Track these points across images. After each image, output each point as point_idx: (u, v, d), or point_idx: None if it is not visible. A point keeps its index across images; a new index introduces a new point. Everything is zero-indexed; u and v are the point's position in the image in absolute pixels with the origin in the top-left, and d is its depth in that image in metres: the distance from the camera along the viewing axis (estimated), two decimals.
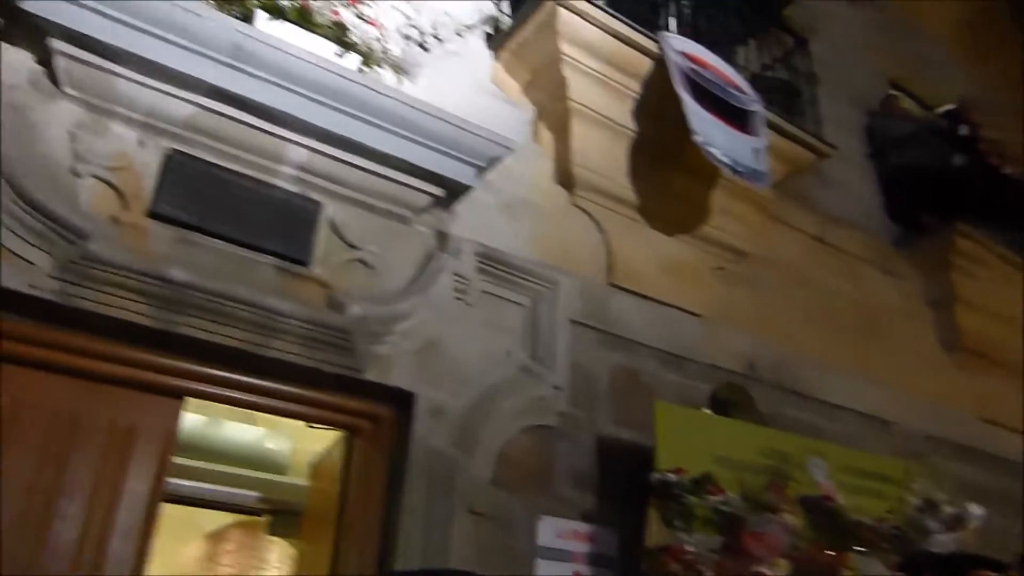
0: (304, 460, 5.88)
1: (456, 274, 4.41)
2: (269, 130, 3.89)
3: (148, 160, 3.73)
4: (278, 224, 3.95)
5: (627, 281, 5.12)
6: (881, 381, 6.46)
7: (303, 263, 3.99)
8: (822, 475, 4.86)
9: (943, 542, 5.01)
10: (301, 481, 5.92)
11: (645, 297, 5.16)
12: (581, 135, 5.13)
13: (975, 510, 5.29)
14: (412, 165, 4.20)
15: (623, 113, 5.28)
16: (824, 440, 5.43)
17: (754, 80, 5.99)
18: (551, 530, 4.17)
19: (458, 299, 4.40)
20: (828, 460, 4.93)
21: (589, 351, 4.80)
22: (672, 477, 4.07)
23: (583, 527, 4.28)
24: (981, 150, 8.01)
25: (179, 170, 3.78)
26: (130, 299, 3.46)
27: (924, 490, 5.33)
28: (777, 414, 5.53)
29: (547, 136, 5.25)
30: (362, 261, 4.18)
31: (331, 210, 4.16)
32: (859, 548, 4.80)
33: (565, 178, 5.15)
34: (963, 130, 7.88)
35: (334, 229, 4.14)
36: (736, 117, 5.37)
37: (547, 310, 4.66)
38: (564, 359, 4.60)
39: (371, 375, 4.00)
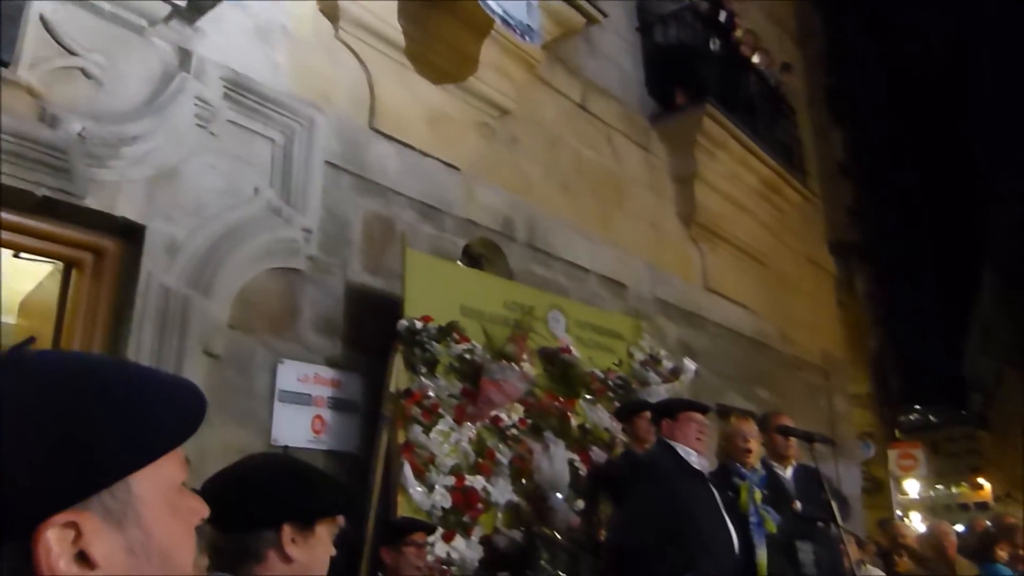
0: (14, 298, 5.24)
1: (199, 99, 3.98)
2: None
3: None
4: None
5: (388, 127, 4.94)
6: (622, 247, 6.90)
7: (3, 63, 3.38)
8: (561, 329, 5.17)
9: (659, 392, 5.57)
10: (9, 319, 5.29)
11: (406, 145, 5.02)
12: None
13: (689, 365, 5.91)
14: None
15: None
16: (566, 298, 5.75)
17: None
18: (292, 374, 4.08)
19: (200, 127, 4.00)
20: (567, 315, 5.24)
21: (344, 196, 4.62)
22: (419, 324, 4.10)
23: (326, 372, 4.23)
24: (735, 38, 8.51)
25: None
26: None
27: (648, 346, 5.86)
28: (526, 271, 5.74)
29: None
30: (83, 71, 3.63)
31: (43, 4, 3.53)
32: (588, 396, 5.22)
33: (330, 9, 4.77)
34: (723, 16, 8.30)
35: (47, 27, 3.54)
36: None
37: (301, 149, 4.38)
38: (316, 202, 4.39)
39: (93, 202, 3.56)
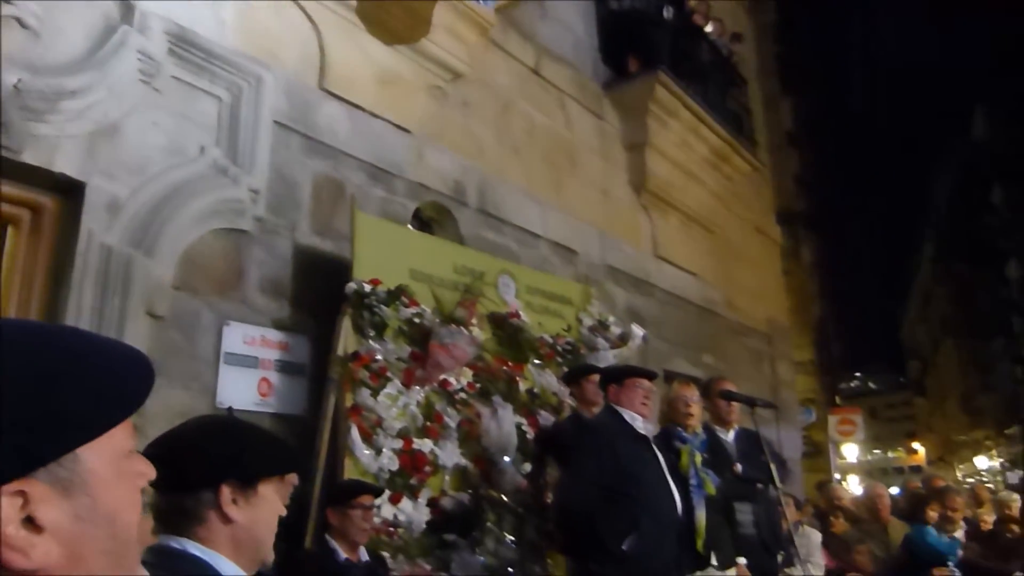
0: None
1: (142, 53, 3.86)
2: None
3: None
4: None
5: (339, 87, 4.86)
6: (573, 213, 6.93)
7: None
8: (511, 294, 5.20)
9: (607, 357, 5.65)
10: None
11: (357, 107, 4.95)
12: None
13: (637, 331, 6.00)
14: None
15: None
16: (516, 263, 5.77)
17: None
18: (238, 336, 4.04)
19: (144, 82, 3.88)
20: (517, 281, 5.27)
21: (292, 156, 4.55)
22: (367, 287, 4.09)
23: (273, 334, 4.20)
24: (688, 7, 8.53)
25: None
26: None
27: (597, 312, 5.93)
28: (477, 236, 5.74)
29: None
30: (18, 20, 3.49)
31: None
32: (536, 361, 5.27)
33: None
34: None
35: None
36: None
37: (248, 107, 4.29)
38: (264, 162, 4.32)
39: (30, 157, 3.45)
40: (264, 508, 1.45)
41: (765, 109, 13.32)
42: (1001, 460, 28.61)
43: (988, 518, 5.88)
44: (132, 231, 3.69)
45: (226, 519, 1.39)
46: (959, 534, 5.95)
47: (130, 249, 3.67)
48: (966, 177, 29.20)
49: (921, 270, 42.51)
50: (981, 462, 31.14)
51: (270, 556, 1.51)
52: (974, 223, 28.27)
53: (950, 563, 5.52)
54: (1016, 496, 6.42)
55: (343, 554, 3.18)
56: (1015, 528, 5.42)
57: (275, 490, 1.49)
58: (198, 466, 1.39)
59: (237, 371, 3.99)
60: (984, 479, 25.41)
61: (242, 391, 3.99)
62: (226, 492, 1.38)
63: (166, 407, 3.40)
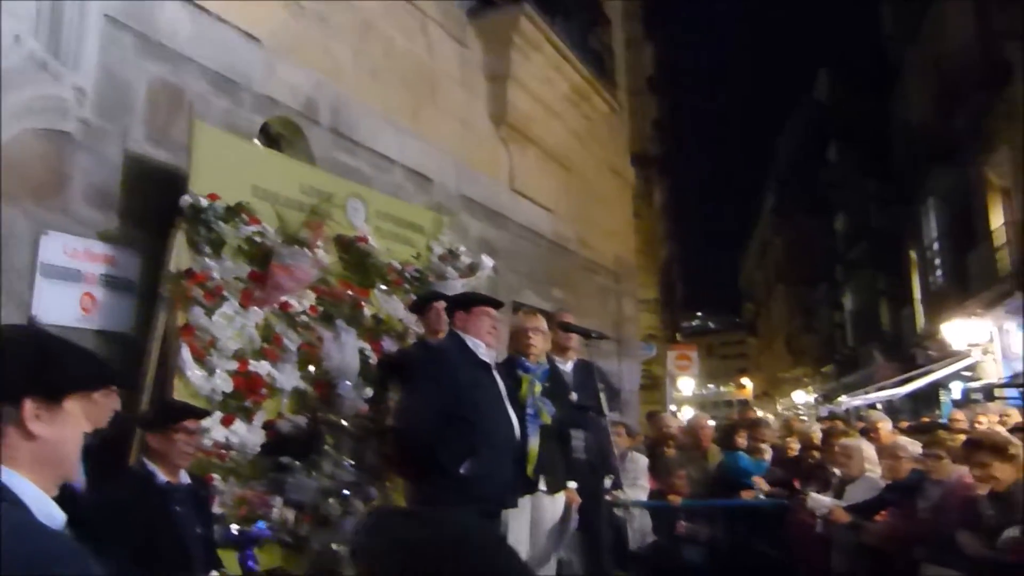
0: None
1: None
2: None
3: None
4: None
5: None
6: (430, 141, 6.84)
7: None
8: (360, 218, 5.09)
9: (455, 286, 5.68)
10: None
11: (201, 8, 4.61)
12: None
13: (487, 262, 6.06)
14: None
15: None
16: (368, 187, 5.65)
17: None
18: (59, 247, 3.75)
19: None
20: (367, 205, 5.16)
21: (126, 56, 4.20)
22: (204, 202, 3.88)
23: (99, 246, 3.93)
24: None
25: None
26: None
27: (448, 242, 5.92)
28: (328, 157, 5.56)
29: None
30: None
31: None
32: (383, 287, 5.22)
33: None
34: None
35: None
36: None
37: None
38: (92, 60, 3.95)
39: None
40: (70, 425, 1.37)
41: (627, 52, 13.52)
42: (816, 395, 31.28)
43: (795, 446, 6.46)
44: None
45: (28, 435, 1.31)
46: (767, 458, 6.56)
47: None
48: (807, 133, 30.96)
49: (762, 219, 45.08)
50: (799, 397, 33.91)
51: (75, 475, 1.45)
52: (811, 177, 30.18)
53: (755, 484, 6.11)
54: (817, 426, 7.08)
55: (163, 477, 3.08)
56: (815, 454, 5.98)
57: (83, 407, 1.41)
58: None
59: (56, 285, 3.71)
60: (800, 412, 27.77)
61: (62, 306, 3.73)
62: (29, 407, 1.30)
63: None
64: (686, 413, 26.95)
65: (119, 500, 2.81)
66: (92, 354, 1.62)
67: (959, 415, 7.14)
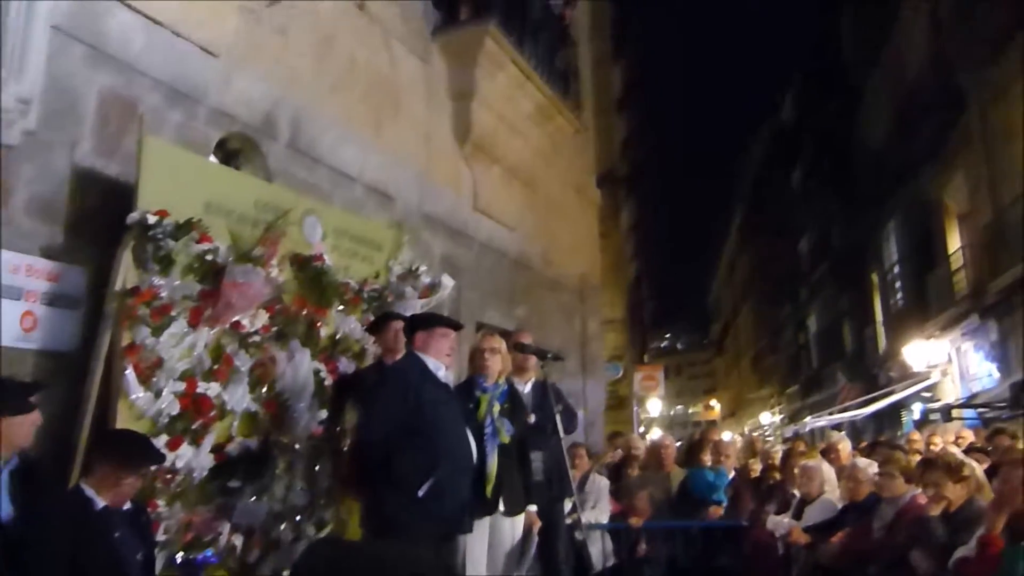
0: None
1: None
2: None
3: None
4: None
5: None
6: (392, 159, 6.78)
7: None
8: (317, 235, 5.00)
9: (414, 306, 5.61)
10: None
11: (153, 21, 4.51)
12: None
13: (447, 281, 5.99)
14: None
15: None
16: (327, 204, 5.58)
17: None
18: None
19: None
20: (324, 222, 5.08)
21: (74, 67, 4.10)
22: (152, 218, 3.78)
23: (42, 263, 3.80)
24: None
25: None
26: None
27: (408, 260, 5.85)
28: (287, 173, 5.48)
29: None
30: None
31: None
32: (341, 307, 5.13)
33: None
34: None
35: None
36: None
37: (21, 6, 3.81)
38: (38, 70, 3.85)
39: None
40: None
41: (594, 72, 13.60)
42: (781, 416, 31.48)
43: (756, 467, 6.45)
44: None
45: None
46: (729, 466, 6.61)
47: None
48: (773, 154, 31.34)
49: (729, 238, 45.49)
50: (765, 417, 34.11)
51: None
52: (775, 198, 30.54)
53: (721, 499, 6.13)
54: (779, 447, 7.10)
55: (101, 501, 2.96)
56: (776, 475, 5.98)
57: None
58: None
59: None
60: (766, 432, 27.91)
61: (1, 325, 3.60)
62: None
63: None
64: (655, 434, 27.06)
65: (48, 527, 2.70)
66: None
67: (916, 435, 7.21)
